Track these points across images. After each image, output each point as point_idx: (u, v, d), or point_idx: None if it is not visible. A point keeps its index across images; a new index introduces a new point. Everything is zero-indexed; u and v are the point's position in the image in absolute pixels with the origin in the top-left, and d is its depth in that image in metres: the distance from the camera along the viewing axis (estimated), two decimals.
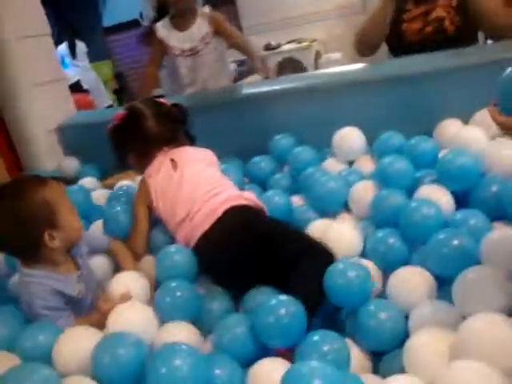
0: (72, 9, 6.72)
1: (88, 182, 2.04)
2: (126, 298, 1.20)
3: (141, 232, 1.46)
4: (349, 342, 1.05)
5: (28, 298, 1.19)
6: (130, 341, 1.01)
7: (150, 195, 1.46)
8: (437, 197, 1.32)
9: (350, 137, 1.68)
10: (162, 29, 2.23)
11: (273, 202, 1.51)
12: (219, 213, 1.32)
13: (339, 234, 1.31)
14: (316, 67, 4.91)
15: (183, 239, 1.36)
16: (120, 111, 1.58)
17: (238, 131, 1.94)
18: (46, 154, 2.31)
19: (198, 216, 1.34)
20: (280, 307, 1.03)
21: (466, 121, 1.61)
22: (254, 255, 1.24)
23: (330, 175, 1.55)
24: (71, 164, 2.25)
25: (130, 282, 1.28)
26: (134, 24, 6.15)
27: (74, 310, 1.22)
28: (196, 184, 1.41)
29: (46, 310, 1.17)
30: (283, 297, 1.06)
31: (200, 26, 2.22)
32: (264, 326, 1.03)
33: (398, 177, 1.44)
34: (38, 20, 2.36)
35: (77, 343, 1.05)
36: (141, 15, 5.30)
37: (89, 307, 1.28)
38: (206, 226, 1.32)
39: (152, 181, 1.47)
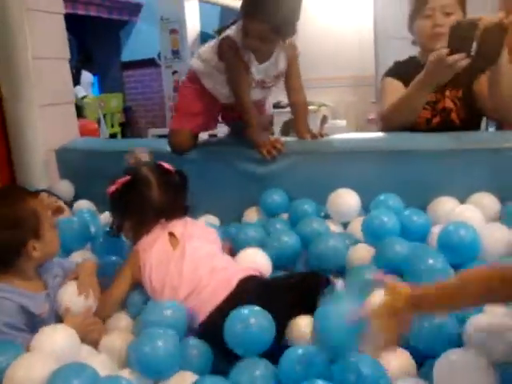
0: (95, 40, 6.92)
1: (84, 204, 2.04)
2: (67, 313, 1.22)
3: (116, 296, 1.37)
4: None
5: None
6: (86, 372, 0.98)
7: (141, 269, 1.37)
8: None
9: (345, 198, 1.68)
10: (246, 53, 1.78)
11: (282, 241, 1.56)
12: (233, 284, 1.28)
13: None
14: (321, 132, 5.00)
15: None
16: (124, 176, 1.49)
17: (233, 185, 1.93)
18: (43, 174, 2.29)
19: (208, 289, 1.29)
20: None
21: (461, 201, 1.62)
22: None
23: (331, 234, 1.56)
24: (65, 187, 2.24)
25: (74, 294, 1.27)
26: (149, 63, 6.33)
27: (35, 331, 1.18)
28: (199, 260, 1.36)
29: (5, 327, 1.15)
30: None
31: (277, 61, 1.84)
32: None
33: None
34: (60, 43, 2.42)
35: (30, 370, 1.00)
36: (158, 55, 5.44)
37: None
38: (220, 298, 1.26)
39: (146, 255, 1.38)
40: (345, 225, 1.70)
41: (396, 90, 1.91)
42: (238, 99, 1.84)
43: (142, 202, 1.45)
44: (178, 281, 1.31)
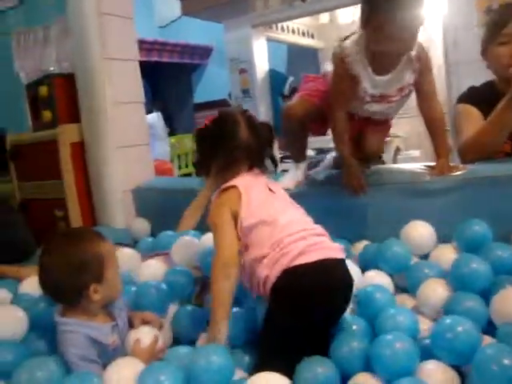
0: (168, 84, 7.24)
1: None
2: (136, 345, 1.25)
3: (231, 241, 1.28)
4: None
5: (63, 346, 1.20)
6: None
7: (240, 203, 1.31)
8: None
9: (419, 230, 1.62)
10: (358, 64, 1.65)
11: None
12: (332, 255, 1.24)
13: None
14: (395, 162, 4.90)
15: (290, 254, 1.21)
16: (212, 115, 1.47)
17: None
18: (120, 212, 2.39)
19: (314, 238, 1.25)
20: None
21: None
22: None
23: None
24: (142, 225, 2.32)
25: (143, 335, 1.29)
26: (221, 103, 6.53)
27: (106, 362, 1.21)
28: (300, 212, 1.37)
29: (77, 358, 1.18)
30: None
31: (402, 73, 1.65)
32: None
33: (473, 278, 1.35)
34: (136, 88, 2.54)
35: None
36: (229, 95, 5.59)
37: None
38: (320, 257, 1.21)
39: (248, 192, 1.33)
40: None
41: (472, 117, 1.82)
42: (332, 113, 1.72)
43: (231, 138, 1.39)
44: (286, 219, 1.28)
